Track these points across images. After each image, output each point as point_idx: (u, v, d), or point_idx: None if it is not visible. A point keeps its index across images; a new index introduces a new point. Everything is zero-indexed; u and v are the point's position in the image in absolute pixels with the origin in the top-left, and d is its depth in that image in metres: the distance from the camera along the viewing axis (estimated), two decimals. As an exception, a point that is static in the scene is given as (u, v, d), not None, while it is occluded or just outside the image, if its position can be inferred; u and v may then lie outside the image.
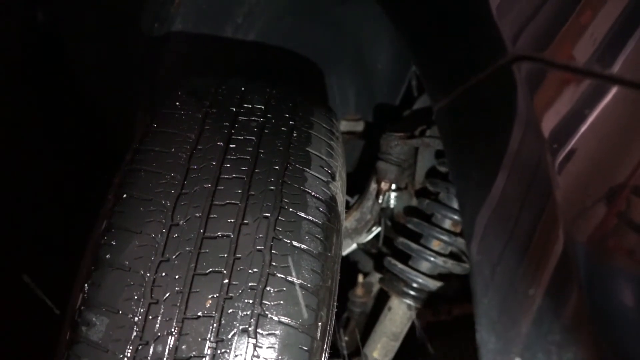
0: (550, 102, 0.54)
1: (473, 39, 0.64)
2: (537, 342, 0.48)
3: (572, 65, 0.55)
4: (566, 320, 0.48)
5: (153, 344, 0.66)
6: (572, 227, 0.49)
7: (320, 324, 0.73)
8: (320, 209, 0.79)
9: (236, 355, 0.67)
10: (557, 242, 0.50)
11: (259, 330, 0.68)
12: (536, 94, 0.55)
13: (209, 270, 0.70)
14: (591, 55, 0.55)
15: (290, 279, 0.72)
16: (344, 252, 1.35)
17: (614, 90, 0.51)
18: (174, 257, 0.70)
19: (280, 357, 0.69)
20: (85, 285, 0.70)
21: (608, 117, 0.52)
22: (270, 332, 0.69)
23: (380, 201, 1.23)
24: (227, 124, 0.84)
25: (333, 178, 0.85)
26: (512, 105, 0.56)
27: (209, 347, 0.67)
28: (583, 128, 0.52)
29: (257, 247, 0.72)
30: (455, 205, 1.08)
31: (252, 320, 0.68)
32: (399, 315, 1.17)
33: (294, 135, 0.86)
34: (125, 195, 0.75)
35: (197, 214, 0.73)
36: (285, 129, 0.86)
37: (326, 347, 0.77)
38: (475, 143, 0.59)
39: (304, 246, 0.75)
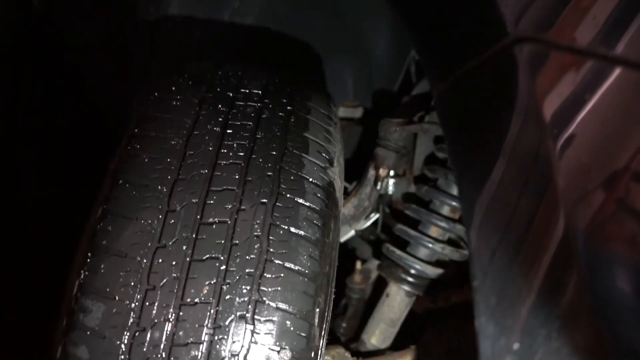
0: (552, 85, 0.53)
1: (473, 20, 0.63)
2: (536, 328, 0.48)
3: (575, 46, 0.54)
4: (566, 306, 0.47)
5: (150, 331, 0.66)
6: (573, 212, 0.49)
7: (318, 310, 0.73)
8: (318, 194, 0.79)
9: (234, 342, 0.67)
10: (557, 228, 0.49)
11: (256, 316, 0.68)
12: (538, 76, 0.54)
13: (205, 257, 0.70)
14: (594, 37, 0.54)
15: (288, 265, 0.71)
16: (342, 239, 1.35)
17: (617, 72, 0.51)
18: (170, 243, 0.70)
19: (278, 344, 0.68)
20: (82, 271, 0.69)
21: (611, 100, 0.51)
22: (267, 318, 0.68)
23: (378, 187, 1.22)
24: (224, 109, 0.83)
25: (331, 164, 0.84)
26: (513, 88, 0.55)
27: (206, 334, 0.66)
28: (585, 111, 0.51)
29: (255, 233, 0.72)
30: (454, 191, 1.08)
31: (249, 306, 0.68)
32: (397, 301, 1.17)
33: (292, 120, 0.85)
34: (121, 181, 0.75)
35: (193, 200, 0.73)
36: (282, 115, 0.85)
37: (324, 334, 0.77)
38: (475, 127, 0.59)
39: (301, 232, 0.74)
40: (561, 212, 0.49)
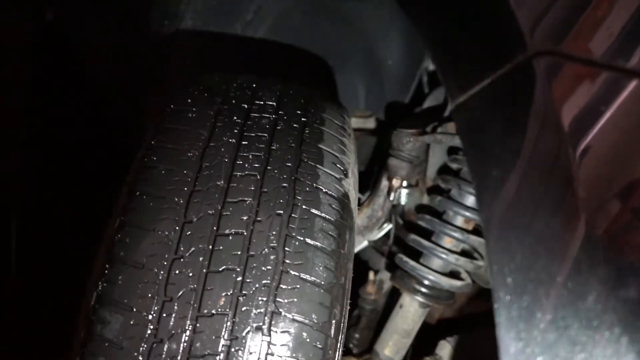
0: (570, 96, 0.53)
1: (492, 34, 0.63)
2: (559, 340, 0.48)
3: (593, 59, 0.54)
4: (588, 316, 0.47)
5: (167, 342, 0.66)
6: (593, 221, 0.49)
7: (334, 321, 0.73)
8: (333, 206, 0.79)
9: (250, 353, 0.67)
10: (577, 237, 0.49)
11: (272, 328, 0.68)
12: (556, 88, 0.54)
13: (222, 268, 0.70)
14: (609, 48, 0.54)
15: (303, 276, 0.71)
16: (355, 250, 1.35)
17: (634, 83, 0.51)
18: (187, 254, 0.70)
19: (294, 355, 0.68)
20: (100, 282, 0.70)
21: (628, 110, 0.51)
22: (284, 329, 0.68)
23: (391, 198, 1.22)
24: (239, 120, 0.83)
25: (345, 175, 0.84)
26: (532, 100, 0.55)
27: (223, 345, 0.67)
28: (603, 121, 0.51)
29: (271, 245, 0.72)
30: (468, 202, 1.07)
31: (266, 318, 0.68)
32: (410, 312, 1.16)
33: (306, 132, 0.85)
34: (138, 193, 0.75)
35: (210, 212, 0.73)
36: (297, 126, 0.85)
37: (340, 345, 0.77)
38: (494, 138, 0.59)
39: (317, 243, 0.74)
40: (582, 221, 0.49)
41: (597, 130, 0.52)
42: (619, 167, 0.51)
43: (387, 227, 1.31)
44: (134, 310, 0.67)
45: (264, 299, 0.69)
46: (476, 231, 1.09)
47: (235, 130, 0.82)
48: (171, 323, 0.67)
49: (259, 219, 0.73)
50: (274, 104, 0.88)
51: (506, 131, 0.58)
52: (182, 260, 0.70)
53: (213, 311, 0.68)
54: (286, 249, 0.72)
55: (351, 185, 0.86)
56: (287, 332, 0.68)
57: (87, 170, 1.70)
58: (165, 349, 0.66)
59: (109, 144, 1.70)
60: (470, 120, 0.64)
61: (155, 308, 0.67)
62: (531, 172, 0.55)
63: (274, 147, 0.81)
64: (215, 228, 0.72)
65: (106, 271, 0.70)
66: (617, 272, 0.47)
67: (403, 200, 1.23)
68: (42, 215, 1.53)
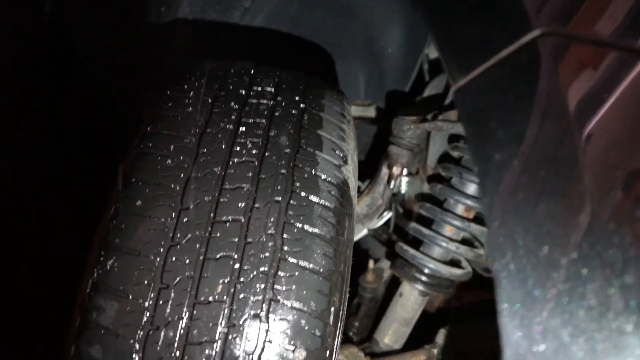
0: (576, 78, 0.52)
1: (495, 14, 0.62)
2: (562, 326, 0.47)
3: (599, 39, 0.53)
4: (593, 306, 0.46)
5: (164, 329, 0.66)
6: (599, 207, 0.48)
7: (332, 309, 0.72)
8: (332, 192, 0.78)
9: (248, 340, 0.66)
10: (582, 223, 0.48)
11: (270, 315, 0.67)
12: (562, 70, 0.53)
13: (219, 255, 0.69)
14: (616, 29, 0.53)
15: (302, 264, 0.70)
16: (355, 238, 1.34)
17: (641, 64, 0.49)
18: (184, 241, 0.69)
19: (292, 342, 0.68)
20: (95, 270, 0.69)
21: (636, 93, 0.50)
22: (282, 317, 0.68)
23: (391, 186, 1.21)
24: (236, 106, 0.82)
25: (345, 161, 0.83)
26: (537, 82, 0.54)
27: (220, 332, 0.66)
28: (610, 104, 0.50)
29: (269, 232, 0.71)
30: (468, 190, 1.06)
31: (263, 305, 0.67)
32: (410, 301, 1.15)
33: (305, 118, 0.84)
34: (134, 180, 0.74)
35: (206, 198, 0.72)
36: (295, 112, 0.84)
37: (339, 333, 0.76)
38: (497, 122, 0.57)
39: (316, 230, 0.73)
40: (588, 208, 0.48)
41: (604, 113, 0.51)
42: (626, 151, 0.50)
43: (387, 215, 1.30)
44: (130, 297, 0.66)
45: (262, 286, 0.68)
46: (477, 219, 1.08)
47: (233, 117, 0.81)
48: (167, 310, 0.66)
49: (256, 205, 0.72)
50: (272, 90, 0.87)
51: (509, 114, 0.57)
52: (178, 247, 0.69)
53: (210, 298, 0.67)
54: (284, 236, 0.71)
55: (350, 172, 0.84)
56: (285, 319, 0.68)
57: (87, 169, 1.69)
58: (161, 336, 0.65)
59: (105, 134, 1.69)
60: (472, 103, 0.62)
61: (152, 295, 0.67)
62: (535, 156, 0.54)
63: (272, 134, 0.80)
64: (212, 215, 0.71)
65: (102, 258, 0.69)
66: (622, 258, 0.46)
67: (403, 188, 1.22)
68: (42, 215, 1.53)
